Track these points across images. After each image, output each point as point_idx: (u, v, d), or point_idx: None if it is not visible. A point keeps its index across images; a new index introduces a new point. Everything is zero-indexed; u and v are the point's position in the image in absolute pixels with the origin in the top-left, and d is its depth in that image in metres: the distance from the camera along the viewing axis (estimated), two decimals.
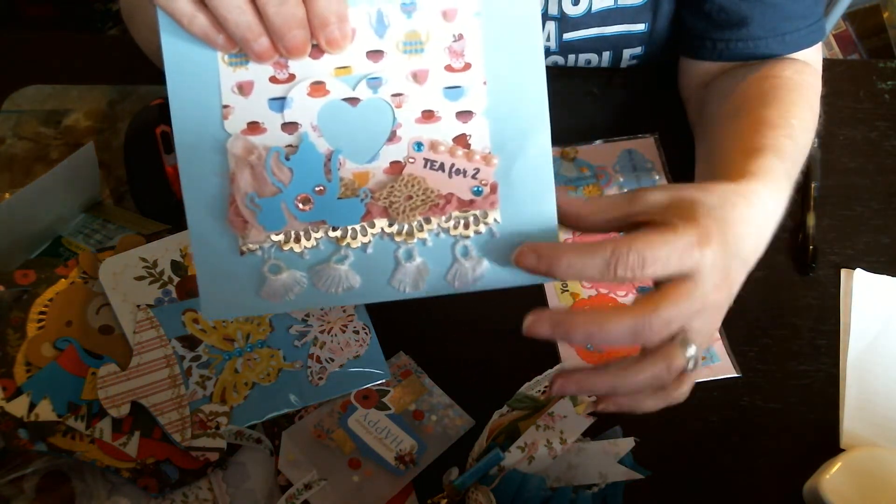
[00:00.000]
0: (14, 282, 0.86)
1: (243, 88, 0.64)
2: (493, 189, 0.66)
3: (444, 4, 0.64)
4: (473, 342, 0.92)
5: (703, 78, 1.08)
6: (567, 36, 1.12)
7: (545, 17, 1.10)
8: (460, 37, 0.64)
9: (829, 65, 1.07)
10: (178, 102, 0.64)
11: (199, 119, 0.64)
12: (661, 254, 0.63)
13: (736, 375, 0.90)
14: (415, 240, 0.66)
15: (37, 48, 1.23)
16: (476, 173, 0.66)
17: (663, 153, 1.08)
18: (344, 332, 0.90)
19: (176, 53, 0.63)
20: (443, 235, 0.66)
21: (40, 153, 1.08)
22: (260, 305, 0.67)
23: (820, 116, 0.97)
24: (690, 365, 0.67)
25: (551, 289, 0.96)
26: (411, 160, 0.65)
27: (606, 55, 1.16)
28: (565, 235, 0.71)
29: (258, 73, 0.64)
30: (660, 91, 1.16)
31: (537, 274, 0.65)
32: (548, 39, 1.13)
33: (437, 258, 0.67)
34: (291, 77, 0.64)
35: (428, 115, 0.65)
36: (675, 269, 0.63)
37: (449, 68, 0.65)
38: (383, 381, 0.88)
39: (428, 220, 0.66)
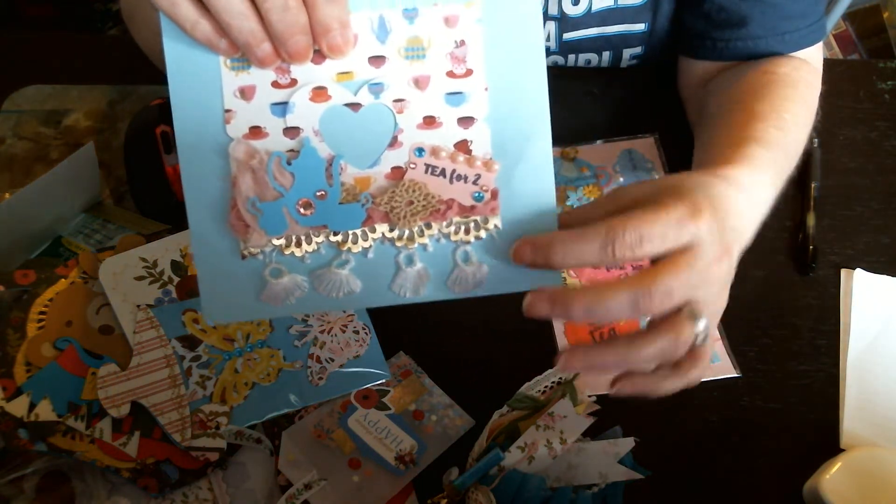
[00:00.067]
0: (14, 282, 0.86)
1: (245, 93, 0.64)
2: (494, 195, 0.66)
3: (445, 11, 0.64)
4: (473, 342, 0.93)
5: (702, 77, 1.08)
6: (567, 36, 1.12)
7: (545, 16, 1.10)
8: (462, 43, 0.64)
9: (829, 65, 1.07)
10: (180, 106, 0.64)
11: (202, 123, 0.64)
12: (657, 229, 0.62)
13: (736, 375, 0.90)
14: (415, 245, 0.66)
15: (37, 48, 1.23)
16: (477, 179, 0.66)
17: (663, 153, 1.08)
18: (344, 332, 0.90)
19: (178, 58, 0.63)
20: (443, 241, 0.66)
21: (40, 153, 1.08)
22: (261, 309, 0.67)
23: (818, 115, 0.97)
24: (700, 339, 0.66)
25: None
26: (412, 165, 0.65)
27: (606, 55, 1.16)
28: None
29: (260, 77, 0.64)
30: (660, 91, 1.16)
31: (536, 267, 0.65)
32: (548, 39, 1.13)
33: (437, 263, 0.67)
34: (293, 82, 0.64)
35: (429, 121, 0.65)
36: (673, 244, 0.63)
37: (450, 74, 0.65)
38: (383, 381, 0.88)
39: (429, 226, 0.66)
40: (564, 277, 0.92)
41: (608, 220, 0.63)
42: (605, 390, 0.87)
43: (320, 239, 0.66)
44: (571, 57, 1.16)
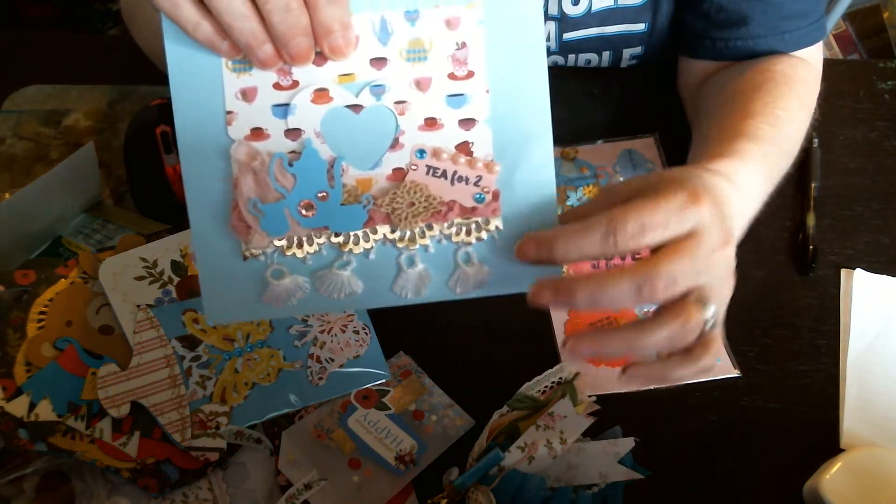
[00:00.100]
0: (14, 282, 0.86)
1: (247, 94, 0.64)
2: (496, 196, 0.66)
3: (447, 12, 0.64)
4: (473, 342, 0.93)
5: (702, 77, 1.08)
6: (567, 36, 1.12)
7: (545, 16, 1.10)
8: (463, 45, 0.64)
9: (829, 65, 1.07)
10: (181, 108, 0.64)
11: (203, 124, 0.64)
12: (658, 217, 0.62)
13: (736, 375, 0.90)
14: (417, 246, 0.66)
15: (37, 48, 1.23)
16: (478, 180, 0.66)
17: (663, 153, 1.08)
18: (344, 332, 0.90)
19: (180, 59, 0.63)
20: (445, 242, 0.66)
21: (40, 153, 1.08)
22: (262, 310, 0.67)
23: (816, 114, 0.97)
24: (710, 325, 0.65)
25: None
26: (414, 167, 0.65)
27: (606, 55, 1.16)
28: None
29: (262, 79, 0.64)
30: (660, 91, 1.16)
31: (540, 262, 0.65)
32: (548, 39, 1.12)
33: (439, 264, 0.67)
34: (295, 84, 0.64)
35: (431, 123, 0.65)
36: (675, 231, 0.63)
37: (452, 76, 0.65)
38: (383, 381, 0.88)
39: (430, 227, 0.66)
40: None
41: (609, 211, 0.63)
42: (605, 390, 0.88)
43: (322, 240, 0.66)
44: (571, 57, 1.16)
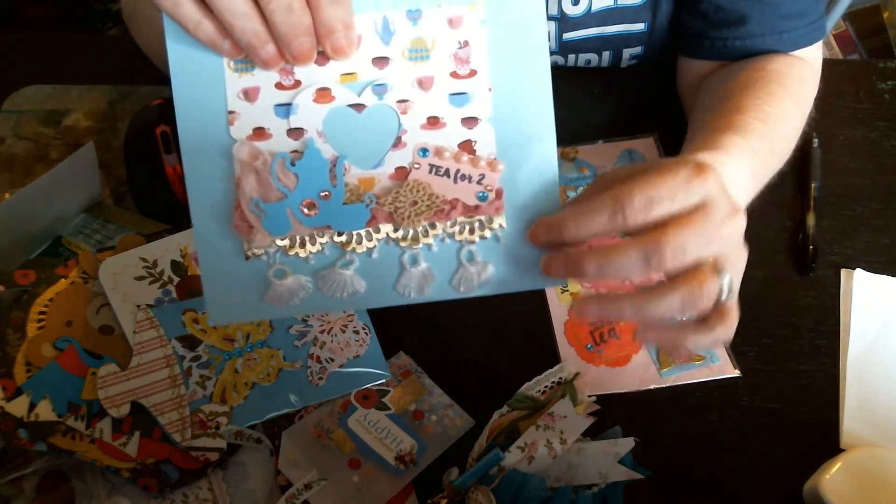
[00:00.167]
0: (14, 282, 0.86)
1: (249, 94, 0.64)
2: (499, 195, 0.66)
3: (449, 12, 0.64)
4: (474, 342, 0.93)
5: (701, 77, 1.08)
6: (567, 36, 1.12)
7: None
8: (466, 44, 0.64)
9: (829, 65, 1.07)
10: (183, 108, 0.64)
11: (205, 124, 0.64)
12: (665, 190, 0.61)
13: (736, 375, 0.90)
14: (420, 245, 0.66)
15: (37, 48, 1.22)
16: (481, 179, 0.66)
17: (663, 153, 1.08)
18: (344, 332, 0.90)
19: (182, 59, 0.63)
20: (448, 241, 0.66)
21: (40, 153, 1.08)
22: (265, 310, 0.67)
23: (814, 114, 0.97)
24: (725, 295, 0.64)
25: (552, 290, 0.96)
26: (416, 166, 0.65)
27: (606, 55, 1.16)
28: None
29: (264, 79, 0.64)
30: (659, 91, 1.16)
31: (551, 245, 0.65)
32: (548, 39, 1.12)
33: (442, 263, 0.67)
34: (297, 83, 0.64)
35: (433, 122, 0.65)
36: (682, 204, 0.62)
37: (454, 75, 0.65)
38: (383, 381, 0.88)
39: (433, 226, 0.66)
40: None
41: (613, 189, 0.62)
42: (605, 390, 0.88)
43: (324, 239, 0.66)
44: (571, 57, 1.16)
